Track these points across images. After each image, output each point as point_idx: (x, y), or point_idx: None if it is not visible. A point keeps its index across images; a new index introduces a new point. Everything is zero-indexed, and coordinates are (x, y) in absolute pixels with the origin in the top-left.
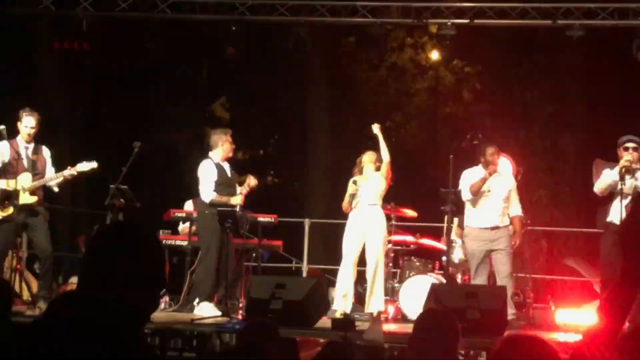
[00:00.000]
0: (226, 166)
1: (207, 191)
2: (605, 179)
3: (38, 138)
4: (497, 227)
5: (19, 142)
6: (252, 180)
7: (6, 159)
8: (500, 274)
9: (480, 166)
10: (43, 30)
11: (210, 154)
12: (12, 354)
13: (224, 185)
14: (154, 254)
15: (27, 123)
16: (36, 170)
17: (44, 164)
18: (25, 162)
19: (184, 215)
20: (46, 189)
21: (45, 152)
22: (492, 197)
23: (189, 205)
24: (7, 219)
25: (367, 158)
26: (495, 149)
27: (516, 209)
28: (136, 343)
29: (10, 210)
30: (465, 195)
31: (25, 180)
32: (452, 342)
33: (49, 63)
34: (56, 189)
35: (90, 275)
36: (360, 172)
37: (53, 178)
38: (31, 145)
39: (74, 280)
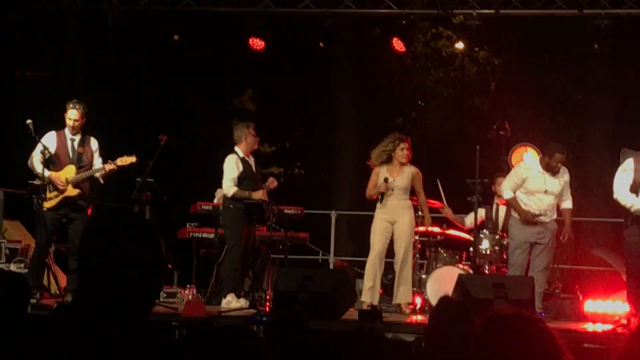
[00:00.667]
0: (251, 160)
1: (229, 185)
2: (626, 198)
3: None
4: (544, 222)
5: (66, 133)
6: (272, 183)
7: (52, 150)
8: (537, 267)
9: (532, 163)
10: (69, 24)
11: (236, 148)
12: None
13: (249, 179)
14: (146, 237)
15: (71, 115)
16: (82, 163)
17: (90, 156)
18: (70, 154)
19: (210, 207)
20: (93, 182)
21: (93, 143)
22: (545, 195)
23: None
24: (51, 209)
25: (400, 154)
26: (564, 156)
27: (568, 203)
28: (137, 337)
29: (54, 201)
30: (506, 196)
31: (69, 173)
32: (466, 330)
33: (76, 56)
34: (102, 181)
35: (87, 264)
36: (385, 158)
37: (95, 170)
38: (77, 137)
39: None
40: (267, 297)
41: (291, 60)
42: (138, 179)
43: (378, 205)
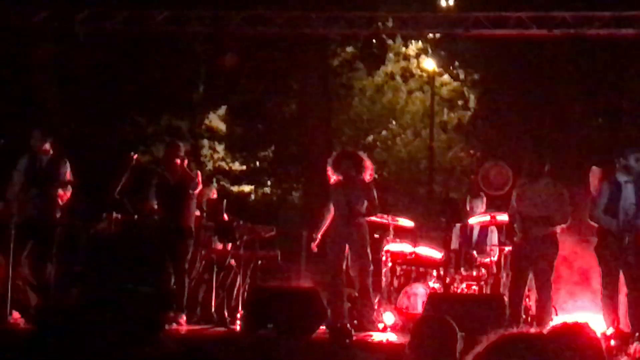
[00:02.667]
0: (172, 177)
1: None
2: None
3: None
4: None
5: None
6: None
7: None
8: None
9: None
10: (38, 40)
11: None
12: None
13: (166, 196)
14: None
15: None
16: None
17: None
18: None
19: None
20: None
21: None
22: None
23: None
24: None
25: (347, 164)
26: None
27: None
28: None
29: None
30: None
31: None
32: (450, 347)
33: (46, 74)
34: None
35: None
36: (339, 171)
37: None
38: (45, 158)
39: None
40: (238, 314)
41: (261, 79)
42: (109, 197)
43: (332, 222)
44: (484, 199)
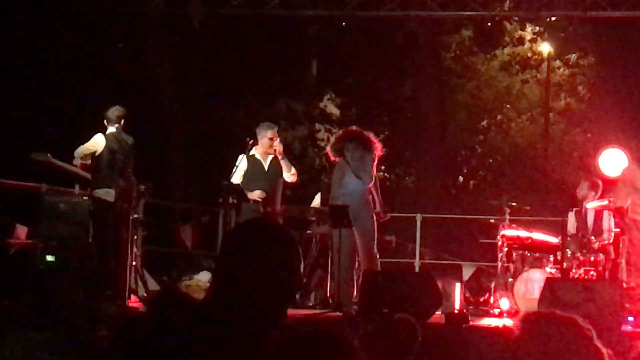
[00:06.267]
0: (266, 160)
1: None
2: None
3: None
4: None
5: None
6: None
7: None
8: None
9: None
10: (153, 27)
11: (256, 146)
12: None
13: (254, 179)
14: (289, 252)
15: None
16: None
17: None
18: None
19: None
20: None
21: None
22: None
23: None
24: None
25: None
26: None
27: None
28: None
29: None
30: None
31: None
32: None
33: (161, 60)
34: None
35: (225, 273)
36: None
37: None
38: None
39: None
40: (354, 298)
41: (375, 64)
42: (224, 182)
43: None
44: (597, 185)
